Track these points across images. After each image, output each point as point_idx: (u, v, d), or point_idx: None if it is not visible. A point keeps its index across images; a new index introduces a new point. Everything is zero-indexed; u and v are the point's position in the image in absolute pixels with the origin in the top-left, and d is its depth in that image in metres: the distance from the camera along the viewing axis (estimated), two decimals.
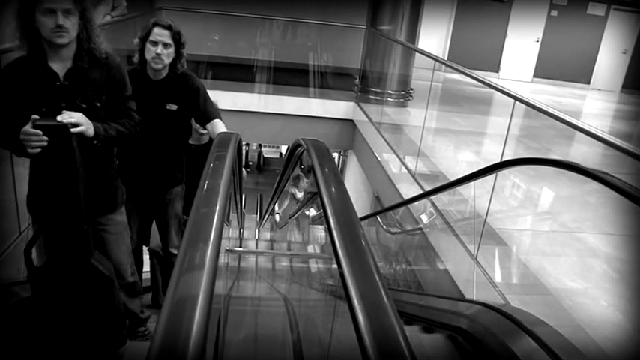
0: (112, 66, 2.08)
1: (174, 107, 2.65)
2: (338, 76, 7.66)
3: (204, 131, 3.00)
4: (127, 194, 2.45)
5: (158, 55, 2.51)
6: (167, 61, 2.55)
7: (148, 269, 3.67)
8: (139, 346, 2.31)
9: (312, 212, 6.26)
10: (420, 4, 6.94)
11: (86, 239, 1.89)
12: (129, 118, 2.13)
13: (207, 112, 2.71)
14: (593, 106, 10.71)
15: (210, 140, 3.00)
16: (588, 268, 3.55)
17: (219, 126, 2.68)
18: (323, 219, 1.42)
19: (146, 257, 3.59)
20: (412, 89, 7.03)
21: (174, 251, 2.84)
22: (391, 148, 5.33)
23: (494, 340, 1.91)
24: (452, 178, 3.18)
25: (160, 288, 3.41)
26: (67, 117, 1.78)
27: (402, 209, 4.42)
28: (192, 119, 2.86)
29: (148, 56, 2.54)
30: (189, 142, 3.12)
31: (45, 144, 1.71)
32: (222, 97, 6.52)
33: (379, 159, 5.63)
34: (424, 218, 3.96)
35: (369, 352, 0.82)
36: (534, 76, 11.68)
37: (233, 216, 4.57)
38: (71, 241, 1.84)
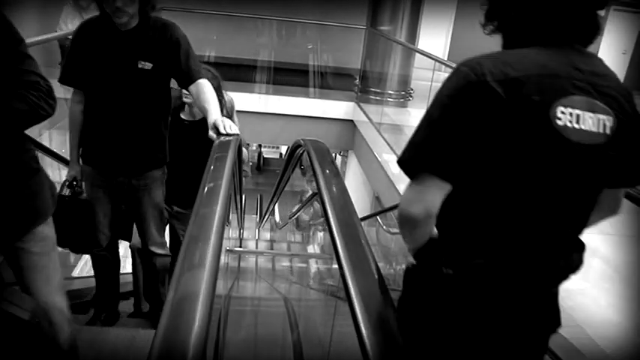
0: None
1: (148, 66, 2.05)
2: (338, 77, 7.67)
3: None
4: (94, 177, 2.16)
5: (118, 8, 1.92)
6: (132, 10, 1.97)
7: (130, 271, 3.04)
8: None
9: (315, 249, 6.23)
10: (420, 4, 6.95)
11: None
12: (30, 87, 1.34)
13: (190, 71, 2.12)
14: None
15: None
16: (588, 268, 3.55)
17: (205, 89, 2.11)
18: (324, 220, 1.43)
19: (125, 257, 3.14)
20: (412, 89, 7.03)
21: (156, 250, 2.40)
22: (391, 148, 5.33)
23: None
24: None
25: (142, 293, 2.80)
26: None
27: None
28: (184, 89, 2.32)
29: (108, 9, 1.96)
30: (182, 116, 2.69)
31: None
32: None
33: (379, 159, 5.63)
34: None
35: (369, 353, 0.82)
36: None
37: (233, 216, 4.57)
38: None
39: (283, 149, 13.04)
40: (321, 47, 7.81)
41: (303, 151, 2.16)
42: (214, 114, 2.02)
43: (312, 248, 6.40)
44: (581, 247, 1.10)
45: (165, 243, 2.49)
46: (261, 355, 2.51)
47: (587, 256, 1.14)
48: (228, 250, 2.76)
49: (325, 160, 1.81)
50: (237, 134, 1.88)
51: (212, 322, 0.77)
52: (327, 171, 1.66)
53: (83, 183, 2.25)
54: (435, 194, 0.96)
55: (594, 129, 0.95)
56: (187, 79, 2.13)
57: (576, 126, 0.93)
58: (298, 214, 6.06)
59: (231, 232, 4.82)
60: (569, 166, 0.95)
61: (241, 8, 7.19)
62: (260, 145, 13.91)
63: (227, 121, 1.94)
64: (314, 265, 4.77)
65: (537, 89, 0.92)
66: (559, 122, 0.92)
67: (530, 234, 0.99)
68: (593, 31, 1.03)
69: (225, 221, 1.12)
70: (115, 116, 2.11)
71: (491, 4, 1.04)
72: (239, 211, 5.11)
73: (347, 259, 1.09)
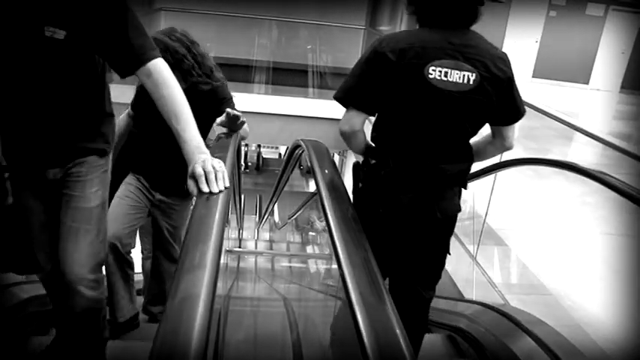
0: None
1: (59, 34, 1.34)
2: (337, 77, 7.67)
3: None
4: (18, 177, 1.51)
5: None
6: None
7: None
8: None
9: (315, 250, 6.14)
10: None
11: None
12: None
13: (132, 49, 1.35)
14: (592, 106, 10.72)
15: (197, 92, 2.03)
16: (587, 267, 3.55)
17: (164, 81, 1.36)
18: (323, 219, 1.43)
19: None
20: None
21: (80, 288, 1.50)
22: None
23: (494, 340, 1.91)
24: None
25: (116, 300, 2.27)
26: None
27: None
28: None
29: None
30: None
31: None
32: None
33: None
34: None
35: (369, 353, 0.82)
36: (533, 76, 11.68)
37: (232, 217, 4.56)
38: None
39: (282, 149, 13.03)
40: (320, 47, 7.80)
41: (302, 152, 2.16)
42: (191, 147, 1.28)
43: (312, 249, 6.39)
44: (466, 159, 1.67)
45: (102, 279, 1.61)
46: (261, 355, 2.50)
47: (587, 256, 1.16)
48: (227, 250, 2.75)
49: (324, 160, 1.81)
50: (227, 187, 1.22)
51: (212, 322, 0.77)
52: (326, 171, 1.66)
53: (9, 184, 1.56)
54: (356, 119, 1.60)
55: (459, 81, 1.49)
56: (128, 60, 1.36)
57: (444, 79, 1.48)
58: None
59: (231, 233, 4.81)
60: (439, 104, 1.51)
61: (241, 8, 7.18)
62: (259, 146, 13.91)
63: (212, 164, 1.22)
64: (313, 266, 4.77)
65: (416, 55, 1.48)
66: (430, 76, 1.48)
67: (418, 145, 1.58)
68: (472, 19, 1.53)
69: (225, 222, 1.12)
70: (22, 98, 1.46)
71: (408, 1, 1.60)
72: (238, 211, 5.10)
73: (346, 259, 1.09)
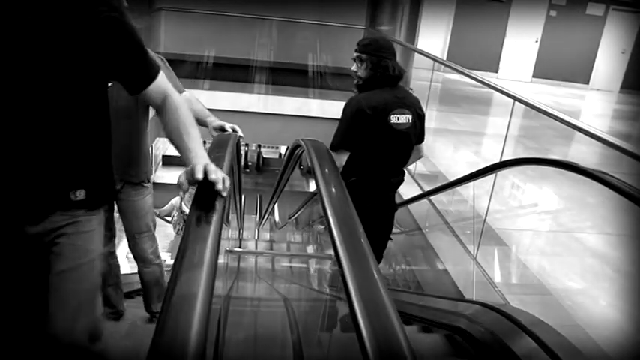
0: None
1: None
2: (337, 77, 7.66)
3: None
4: None
5: None
6: None
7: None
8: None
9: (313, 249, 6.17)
10: (419, 5, 6.95)
11: None
12: None
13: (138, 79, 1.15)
14: (592, 106, 10.72)
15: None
16: (587, 267, 3.55)
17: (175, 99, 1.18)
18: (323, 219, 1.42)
19: None
20: (411, 89, 7.02)
21: None
22: None
23: (494, 340, 1.91)
24: (451, 178, 3.18)
25: None
26: None
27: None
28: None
29: None
30: None
31: None
32: (222, 98, 6.51)
33: None
34: None
35: (369, 353, 0.82)
36: (533, 76, 11.68)
37: (232, 217, 4.56)
38: None
39: (283, 149, 13.03)
40: (321, 47, 7.80)
41: (302, 152, 2.16)
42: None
43: (312, 248, 6.39)
44: (403, 173, 2.57)
45: None
46: (261, 354, 2.50)
47: (587, 256, 1.16)
48: (227, 250, 2.75)
49: (325, 160, 1.80)
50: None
51: (212, 321, 0.77)
52: (327, 171, 1.65)
53: None
54: (344, 157, 2.36)
55: (405, 122, 2.39)
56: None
57: (398, 122, 2.37)
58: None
59: (231, 233, 4.81)
60: (396, 139, 2.39)
61: (241, 8, 7.18)
62: (259, 146, 13.90)
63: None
64: (314, 266, 4.77)
65: (382, 109, 2.33)
66: (391, 122, 2.35)
67: (378, 167, 2.43)
68: (400, 79, 2.41)
69: (223, 220, 1.12)
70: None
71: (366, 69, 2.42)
72: (238, 211, 5.10)
73: (347, 260, 1.09)
